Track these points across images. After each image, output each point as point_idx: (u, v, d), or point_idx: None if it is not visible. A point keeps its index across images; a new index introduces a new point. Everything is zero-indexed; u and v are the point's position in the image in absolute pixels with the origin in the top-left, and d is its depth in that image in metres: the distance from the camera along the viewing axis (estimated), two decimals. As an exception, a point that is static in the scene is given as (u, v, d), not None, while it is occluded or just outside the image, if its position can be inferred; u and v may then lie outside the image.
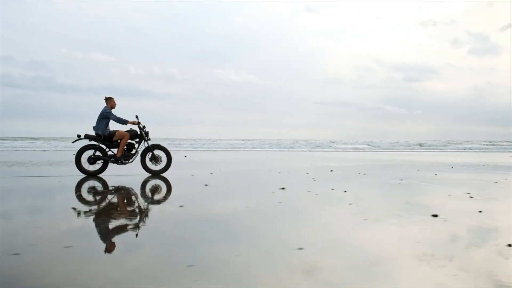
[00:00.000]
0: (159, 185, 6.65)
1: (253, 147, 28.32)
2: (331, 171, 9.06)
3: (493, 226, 3.47)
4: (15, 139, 33.57)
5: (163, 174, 7.85)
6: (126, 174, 7.82)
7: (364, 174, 8.37)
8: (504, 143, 38.98)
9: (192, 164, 11.19)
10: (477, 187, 6.20)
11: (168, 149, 8.15)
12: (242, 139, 39.85)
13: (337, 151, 26.38)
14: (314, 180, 7.06)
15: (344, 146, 31.91)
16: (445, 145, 33.87)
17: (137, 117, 7.75)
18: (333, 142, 38.12)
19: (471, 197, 5.15)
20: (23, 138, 35.16)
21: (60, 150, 21.21)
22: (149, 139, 7.88)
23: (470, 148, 30.62)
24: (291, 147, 29.05)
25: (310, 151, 25.91)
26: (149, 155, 7.88)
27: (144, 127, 7.85)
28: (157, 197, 5.41)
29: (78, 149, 7.66)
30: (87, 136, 7.61)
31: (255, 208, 4.37)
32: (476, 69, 72.89)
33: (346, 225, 3.57)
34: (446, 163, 12.49)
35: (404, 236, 3.07)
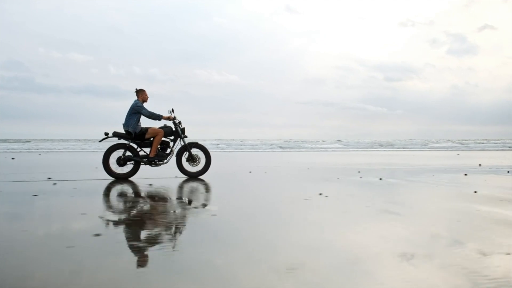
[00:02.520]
0: (197, 189, 5.61)
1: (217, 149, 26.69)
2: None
3: None
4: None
5: (201, 177, 6.81)
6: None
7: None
8: (479, 141, 37.52)
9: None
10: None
11: (208, 148, 7.09)
12: (216, 139, 38.36)
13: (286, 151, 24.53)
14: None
15: (308, 146, 29.64)
16: (413, 144, 31.78)
17: (172, 110, 6.75)
18: (304, 141, 36.61)
19: None
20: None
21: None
22: (186, 137, 6.85)
23: (437, 147, 28.16)
24: (252, 148, 27.19)
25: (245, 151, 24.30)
26: (185, 154, 6.85)
27: (180, 122, 6.83)
28: (195, 203, 4.36)
29: (106, 149, 6.72)
30: (115, 134, 6.65)
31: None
32: (455, 69, 73.29)
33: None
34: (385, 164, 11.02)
35: None
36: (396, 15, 78.45)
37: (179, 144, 6.85)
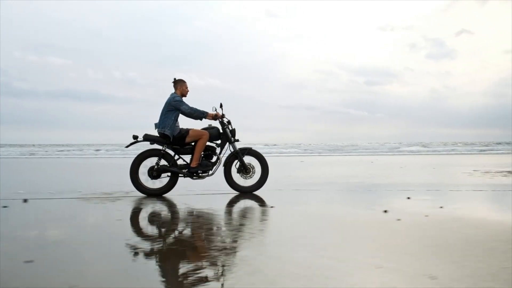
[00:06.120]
0: (252, 209, 4.08)
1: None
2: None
3: None
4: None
5: (256, 192, 5.25)
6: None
7: None
8: (442, 145, 36.20)
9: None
10: None
11: (264, 155, 5.52)
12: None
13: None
14: None
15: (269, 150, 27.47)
16: (365, 149, 29.27)
17: (220, 106, 5.25)
18: (275, 145, 35.03)
19: None
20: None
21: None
22: (237, 141, 5.32)
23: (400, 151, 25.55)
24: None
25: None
26: (236, 164, 5.29)
27: (229, 122, 5.32)
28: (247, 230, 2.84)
29: (134, 157, 5.23)
30: (147, 138, 5.18)
31: None
32: (434, 73, 75.28)
33: None
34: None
35: None
36: (376, 20, 79.62)
37: (228, 150, 5.32)
